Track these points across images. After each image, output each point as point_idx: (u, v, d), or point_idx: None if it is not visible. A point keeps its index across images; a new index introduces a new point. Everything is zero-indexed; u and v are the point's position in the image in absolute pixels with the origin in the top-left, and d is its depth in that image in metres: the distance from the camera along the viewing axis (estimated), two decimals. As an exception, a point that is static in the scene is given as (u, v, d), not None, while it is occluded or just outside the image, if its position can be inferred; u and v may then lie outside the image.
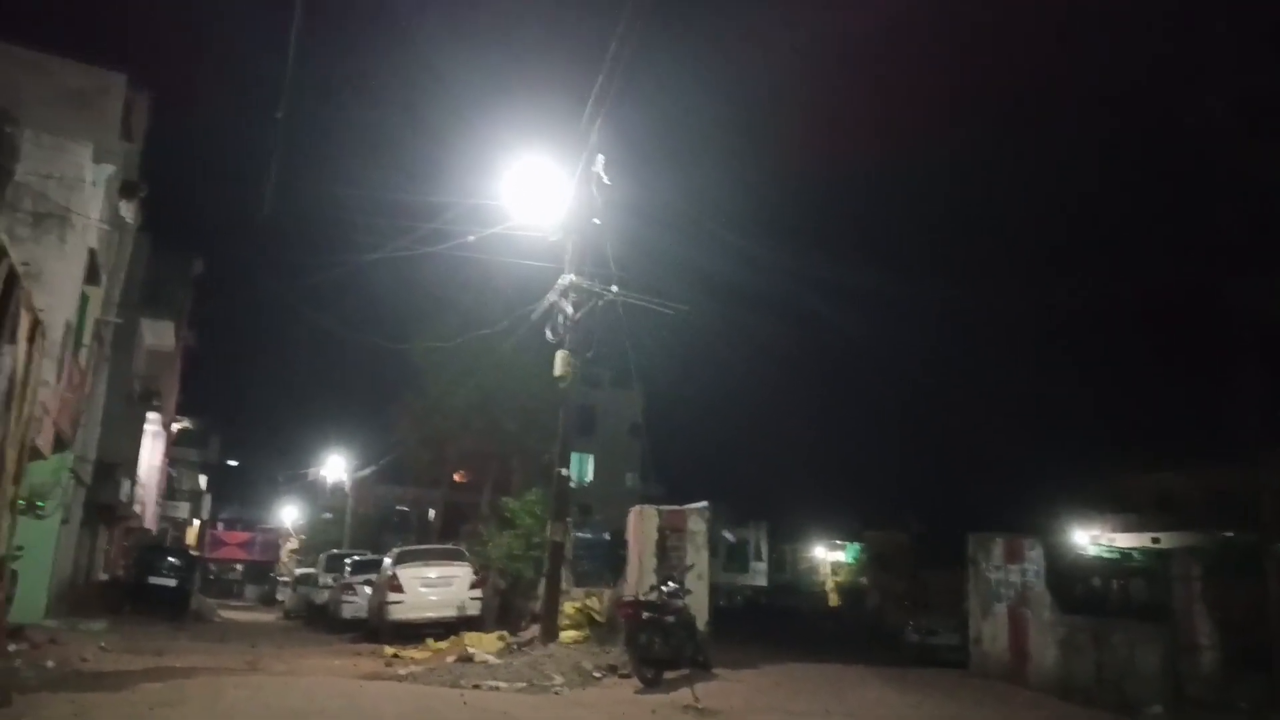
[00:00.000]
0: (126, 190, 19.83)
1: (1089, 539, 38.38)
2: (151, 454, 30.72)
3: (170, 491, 40.10)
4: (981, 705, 11.00)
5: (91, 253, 16.79)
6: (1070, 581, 14.44)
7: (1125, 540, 37.36)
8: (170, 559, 25.20)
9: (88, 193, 16.71)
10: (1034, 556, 13.40)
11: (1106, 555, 22.77)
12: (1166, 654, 12.19)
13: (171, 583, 23.77)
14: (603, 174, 13.71)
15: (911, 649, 19.08)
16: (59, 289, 15.64)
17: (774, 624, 30.79)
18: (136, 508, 28.02)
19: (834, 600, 57.88)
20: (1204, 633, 12.24)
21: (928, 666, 15.47)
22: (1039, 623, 12.98)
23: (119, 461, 23.70)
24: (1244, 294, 13.32)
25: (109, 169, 17.64)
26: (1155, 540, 34.03)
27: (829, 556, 64.37)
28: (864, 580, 59.35)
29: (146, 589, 23.21)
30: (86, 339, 18.38)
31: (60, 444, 16.44)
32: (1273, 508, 13.48)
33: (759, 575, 58.63)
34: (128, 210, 20.48)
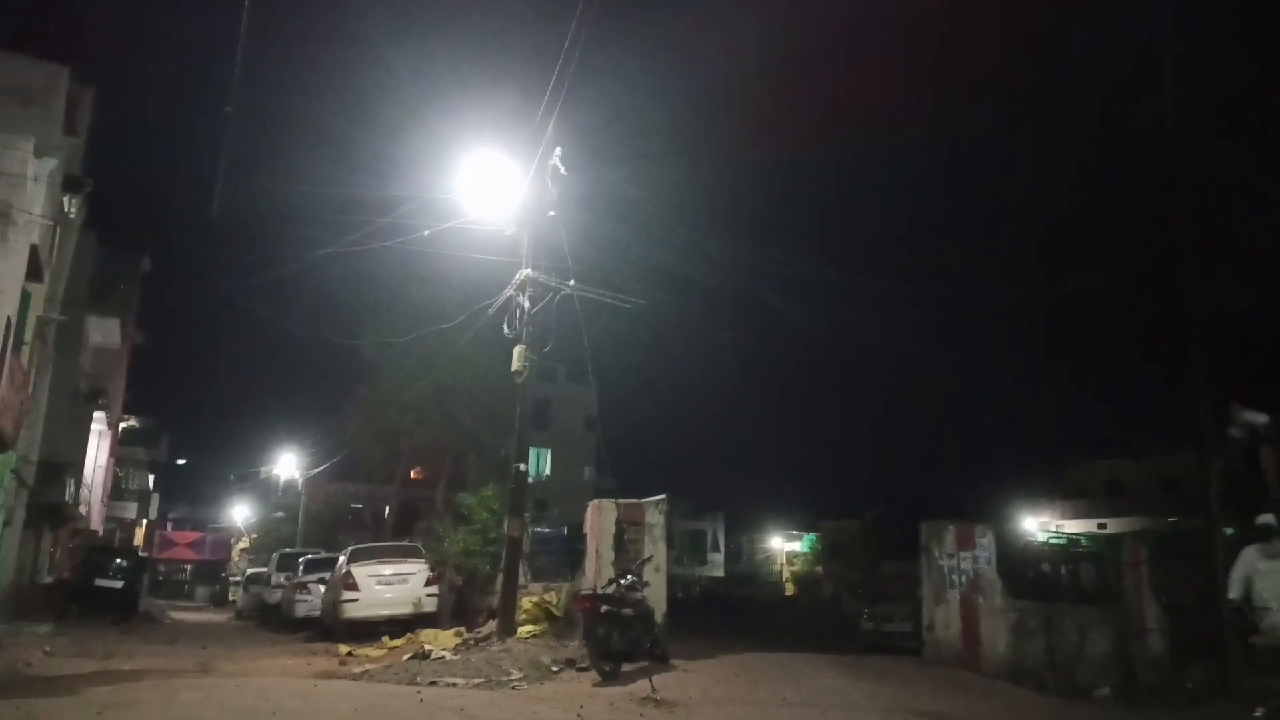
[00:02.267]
0: (70, 185, 19.38)
1: (1039, 525, 39.18)
2: (98, 453, 30.05)
3: (117, 491, 39.28)
4: (936, 692, 11.15)
5: (33, 249, 16.38)
6: (1021, 567, 14.69)
7: (1073, 526, 38.20)
8: (118, 560, 24.72)
9: (30, 188, 16.32)
10: (985, 543, 13.62)
11: (1055, 541, 23.21)
12: (1116, 638, 12.49)
13: (119, 584, 23.32)
14: (560, 165, 13.65)
15: (867, 637, 19.28)
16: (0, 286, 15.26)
17: (732, 615, 31.03)
18: (82, 509, 27.41)
19: (790, 590, 58.48)
20: (1152, 617, 12.56)
21: (883, 654, 15.65)
22: (991, 609, 13.20)
23: (64, 462, 23.17)
24: (1193, 286, 13.62)
25: (51, 164, 17.23)
26: (1102, 526, 34.83)
27: (785, 546, 64.96)
28: (820, 569, 60.05)
29: (94, 591, 22.74)
30: (29, 337, 17.94)
31: (2, 444, 16.04)
32: (1218, 494, 13.82)
33: (716, 566, 59.01)
34: (72, 206, 20.00)
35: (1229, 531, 13.87)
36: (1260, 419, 16.27)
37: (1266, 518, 9.67)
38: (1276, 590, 9.11)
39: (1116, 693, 11.95)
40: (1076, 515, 41.62)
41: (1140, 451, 39.72)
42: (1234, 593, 9.44)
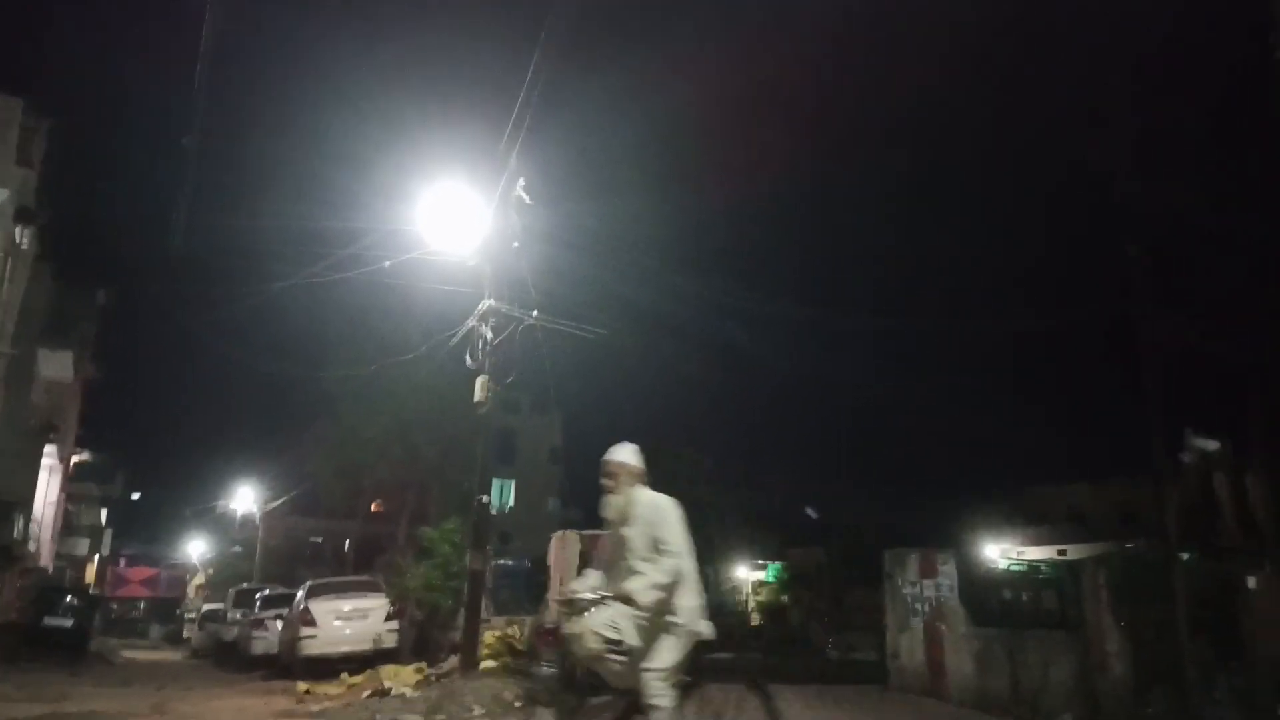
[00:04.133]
0: (22, 217, 19.08)
1: (1000, 552, 39.44)
2: (48, 489, 29.33)
3: (69, 528, 38.31)
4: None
5: (-19, 280, 16.06)
6: (983, 594, 14.78)
7: (1035, 552, 38.49)
8: (68, 598, 24.08)
9: (-21, 218, 16.03)
10: (947, 571, 13.70)
11: (1017, 568, 23.39)
12: (1078, 665, 12.56)
13: (69, 623, 22.70)
14: (524, 196, 13.66)
15: (833, 665, 19.30)
16: (-54, 318, 14.93)
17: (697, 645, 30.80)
18: (31, 546, 26.70)
19: (756, 619, 58.28)
20: (1113, 642, 12.65)
21: (849, 683, 15.64)
22: (954, 636, 13.25)
23: (13, 499, 22.58)
24: (1149, 320, 13.90)
25: (3, 194, 16.95)
26: (1061, 552, 35.13)
27: (751, 576, 64.80)
28: (785, 599, 59.93)
29: (42, 631, 22.10)
30: (-23, 370, 17.53)
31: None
32: (1175, 519, 14.02)
33: (682, 597, 58.62)
34: (24, 237, 19.67)
35: (1185, 556, 14.06)
36: (1211, 445, 16.56)
37: None
38: None
39: (1079, 717, 12.00)
40: (1038, 541, 41.92)
41: (1099, 478, 40.25)
42: None
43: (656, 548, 5.26)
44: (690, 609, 5.36)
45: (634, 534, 5.38)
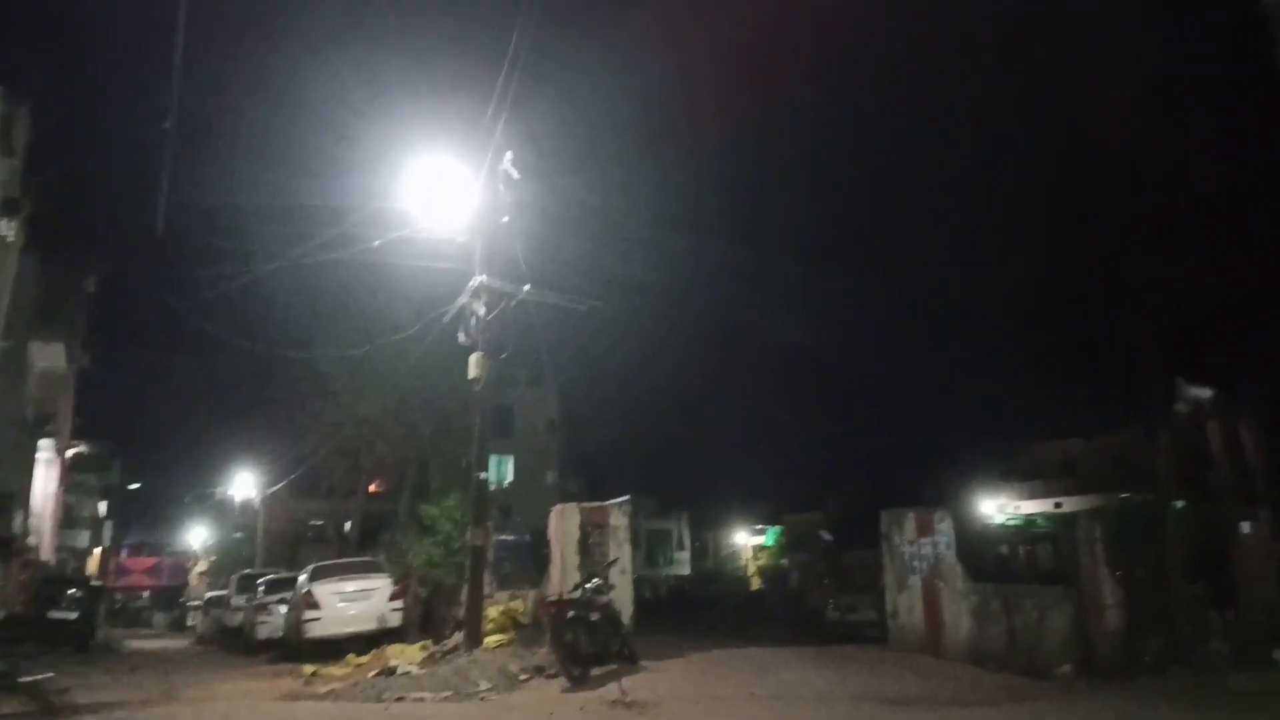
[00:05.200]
0: (7, 207, 18.92)
1: (996, 508, 39.71)
2: (46, 482, 29.32)
3: (68, 520, 38.35)
4: (901, 678, 11.30)
5: (-31, 274, 15.96)
6: (980, 551, 14.91)
7: (1030, 506, 38.75)
8: (71, 590, 24.08)
9: (-38, 211, 15.89)
10: (944, 529, 13.80)
11: (1013, 523, 23.59)
12: (1074, 616, 12.71)
13: (73, 615, 22.73)
14: (512, 170, 13.59)
15: (832, 627, 19.48)
16: (-65, 313, 14.85)
17: (699, 612, 31.10)
18: (31, 539, 26.74)
19: (756, 584, 58.77)
20: (1108, 593, 12.80)
21: (848, 643, 15.82)
22: (952, 593, 13.38)
23: (10, 492, 22.59)
24: (1142, 270, 13.99)
25: (-15, 185, 16.79)
26: (1057, 505, 35.38)
27: (750, 541, 65.28)
28: (785, 562, 60.42)
29: (47, 624, 22.12)
30: (-32, 365, 17.47)
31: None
32: (1167, 468, 14.16)
33: (683, 565, 59.10)
34: (9, 228, 19.50)
35: (1179, 504, 14.21)
36: (1205, 394, 16.69)
37: None
38: None
39: (1077, 669, 12.17)
40: (1033, 496, 42.15)
41: (1092, 430, 40.40)
42: None
43: None
44: None
45: None
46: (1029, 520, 23.68)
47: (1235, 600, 13.13)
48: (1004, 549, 16.14)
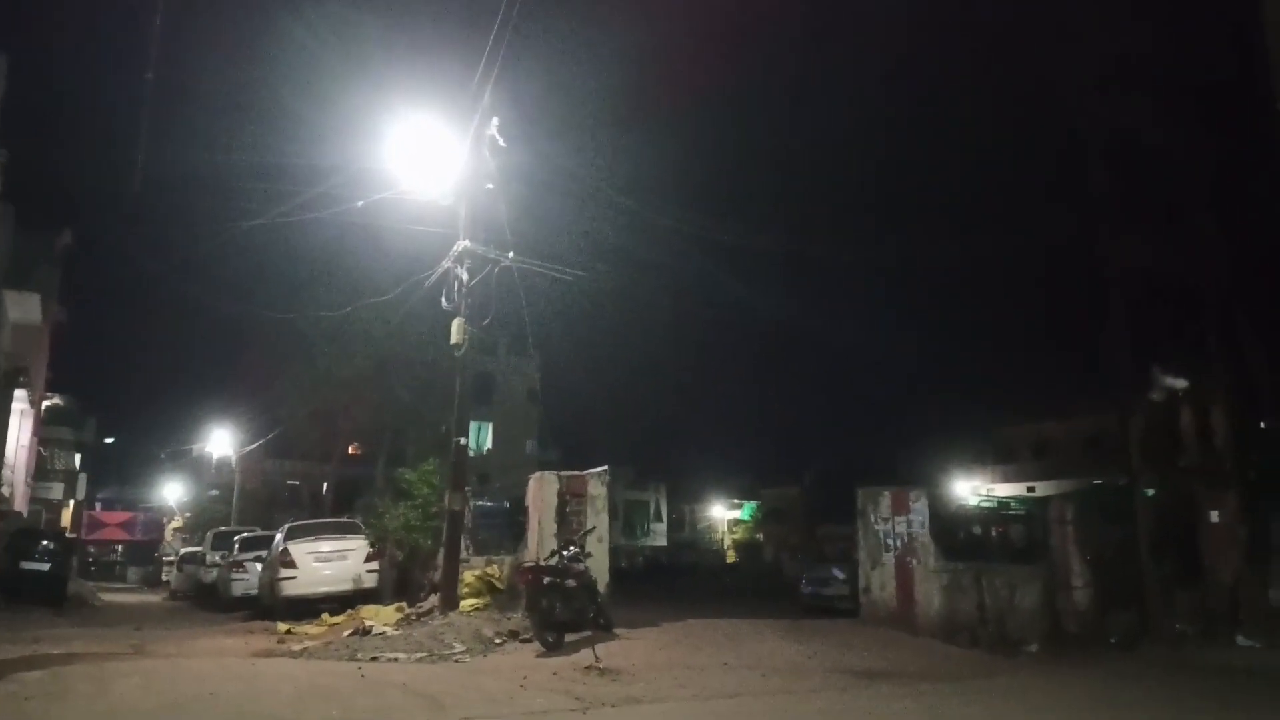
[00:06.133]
0: (-17, 158, 18.60)
1: (971, 489, 40.18)
2: (19, 433, 29.09)
3: (42, 473, 38.07)
4: (872, 651, 11.44)
5: (-57, 221, 15.71)
6: (954, 530, 15.09)
7: (1004, 489, 39.28)
8: (44, 543, 23.91)
9: (-62, 159, 15.61)
10: (919, 508, 13.95)
11: (986, 504, 23.86)
12: (1043, 594, 12.92)
13: (45, 567, 22.57)
14: (498, 136, 13.47)
15: (806, 600, 19.66)
16: (-93, 261, 14.63)
17: (674, 583, 31.35)
18: (4, 490, 26.55)
19: (732, 557, 59.28)
20: (1077, 573, 13.01)
21: (822, 616, 15.99)
22: (924, 570, 13.55)
23: (-17, 443, 22.39)
24: (1113, 248, 14.06)
25: (-40, 133, 16.48)
26: (1031, 489, 35.86)
27: (727, 514, 65.77)
28: (760, 536, 60.94)
29: (19, 575, 21.99)
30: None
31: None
32: (1139, 454, 14.33)
33: (659, 536, 59.52)
34: (-16, 177, 19.19)
35: (1149, 492, 14.40)
36: (1180, 383, 16.87)
37: None
38: None
39: (1045, 645, 12.38)
40: (1007, 479, 42.82)
41: (1065, 414, 40.85)
42: None
43: None
44: None
45: None
46: (1002, 502, 23.96)
47: (1201, 580, 13.37)
48: (977, 528, 16.32)
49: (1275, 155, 13.26)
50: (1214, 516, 13.84)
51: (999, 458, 46.82)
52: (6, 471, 26.29)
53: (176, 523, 51.25)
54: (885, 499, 14.32)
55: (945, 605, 13.20)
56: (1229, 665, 11.68)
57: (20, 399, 27.69)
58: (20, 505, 31.41)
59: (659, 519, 60.81)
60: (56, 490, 40.72)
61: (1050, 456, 42.71)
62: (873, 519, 14.46)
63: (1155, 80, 14.52)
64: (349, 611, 14.96)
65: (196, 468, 49.64)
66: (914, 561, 13.71)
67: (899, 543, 13.97)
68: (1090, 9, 14.66)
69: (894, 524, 14.10)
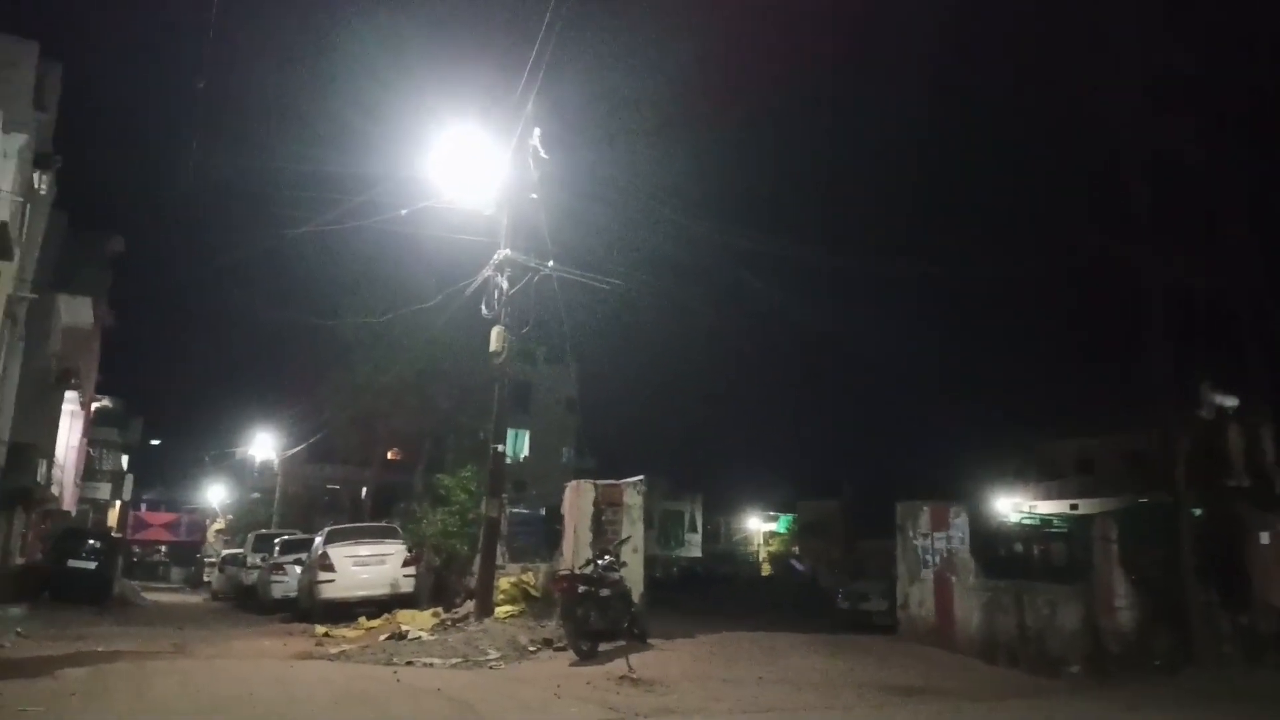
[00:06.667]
0: (40, 162, 19.11)
1: (1012, 506, 39.56)
2: (70, 434, 29.76)
3: (90, 472, 38.91)
4: (910, 669, 11.30)
5: (3, 226, 16.13)
6: (994, 547, 14.88)
7: (1046, 507, 38.63)
8: (90, 541, 24.43)
9: None
10: (959, 524, 13.77)
11: (1028, 522, 23.49)
12: (1086, 614, 12.66)
13: (92, 566, 23.07)
14: (539, 147, 13.57)
15: (843, 615, 19.48)
16: (-33, 264, 15.06)
17: (709, 594, 31.21)
18: (54, 490, 27.15)
19: (767, 569, 58.90)
20: (1121, 593, 12.74)
21: (859, 632, 15.82)
22: (964, 587, 13.37)
23: (35, 443, 22.92)
24: (1155, 263, 13.81)
25: (21, 139, 16.98)
26: (1074, 507, 35.25)
27: (762, 527, 65.37)
28: (796, 549, 60.46)
29: (66, 573, 22.49)
30: (-2, 315, 17.72)
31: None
32: (1184, 472, 14.03)
33: (694, 547, 59.27)
34: (42, 183, 19.71)
35: (1195, 511, 14.09)
36: (1230, 401, 16.50)
37: None
38: None
39: (1087, 666, 12.13)
40: (1049, 496, 42.09)
41: (1108, 430, 40.09)
42: None
43: None
44: None
45: None
46: (1045, 520, 23.58)
47: (1248, 604, 13.04)
48: (1018, 546, 16.07)
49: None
50: (1263, 538, 13.50)
51: (1041, 474, 46.05)
52: (56, 471, 26.88)
53: (219, 524, 52.07)
54: (924, 514, 14.16)
55: (985, 623, 13.01)
56: (1276, 691, 11.38)
57: (70, 400, 28.34)
58: (69, 505, 32.14)
59: (694, 530, 60.57)
60: (104, 490, 41.60)
61: (1093, 473, 41.96)
62: (911, 534, 14.30)
63: (1196, 95, 14.28)
64: (386, 615, 15.08)
65: (239, 471, 50.41)
66: (953, 578, 13.53)
67: (938, 559, 13.80)
68: (1129, 26, 14.45)
69: (933, 540, 13.94)
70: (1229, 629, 12.79)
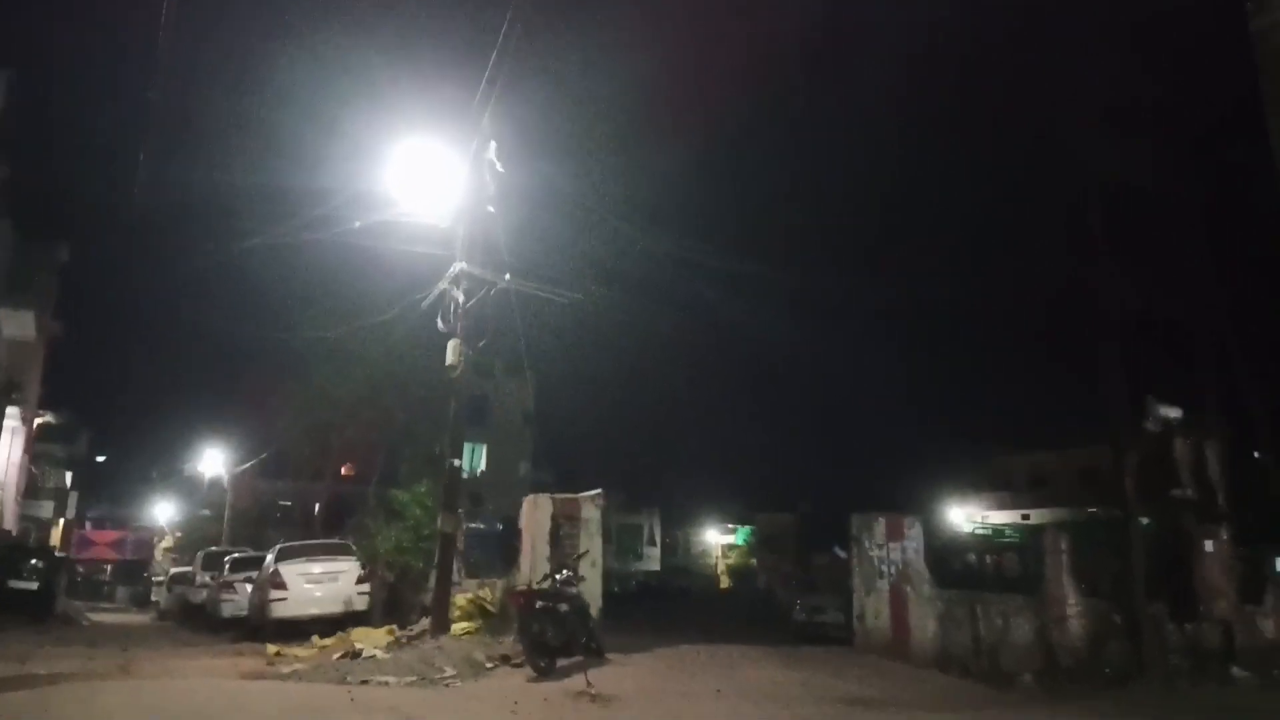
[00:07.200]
0: (-19, 171, 18.65)
1: (966, 517, 40.10)
2: (10, 450, 28.98)
3: (32, 490, 37.86)
4: (866, 680, 11.36)
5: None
6: (948, 558, 15.07)
7: (998, 517, 39.24)
8: (32, 560, 23.77)
9: (-63, 172, 15.67)
10: (914, 534, 13.91)
11: (981, 532, 23.83)
12: (1038, 625, 12.84)
13: (33, 585, 22.43)
14: (496, 160, 13.54)
15: (800, 627, 19.56)
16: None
17: (667, 608, 31.18)
18: (-6, 507, 26.41)
19: (725, 582, 59.00)
20: (1072, 604, 12.94)
21: (815, 644, 15.89)
22: (919, 598, 13.49)
23: (-27, 459, 22.29)
24: (1110, 283, 14.13)
25: (-40, 147, 16.53)
26: (1025, 517, 35.85)
27: (720, 540, 65.51)
28: (754, 562, 60.67)
29: (7, 593, 21.84)
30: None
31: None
32: (1134, 484, 14.31)
33: (653, 560, 59.21)
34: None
35: (1145, 521, 14.38)
36: (1174, 413, 16.89)
37: None
38: None
39: (1039, 677, 12.30)
40: (1001, 507, 42.78)
41: (1061, 444, 40.88)
42: None
43: None
44: None
45: None
46: (997, 530, 23.94)
47: (1195, 613, 13.32)
48: (972, 557, 16.29)
49: (1269, 195, 13.38)
50: (1208, 547, 13.82)
51: (994, 485, 46.82)
52: (-4, 488, 26.16)
53: (167, 542, 50.91)
54: (880, 525, 14.27)
55: (939, 634, 13.14)
56: (1224, 702, 11.61)
57: (12, 416, 27.61)
58: (9, 523, 31.22)
59: (652, 543, 60.53)
60: (46, 508, 40.50)
61: (1046, 486, 42.72)
62: (867, 545, 14.40)
63: (1153, 122, 14.69)
64: (339, 634, 14.83)
65: (189, 487, 49.37)
66: (908, 589, 13.65)
67: (893, 570, 13.91)
68: (1091, 55, 14.86)
69: (889, 550, 14.06)
70: (1177, 640, 13.05)
